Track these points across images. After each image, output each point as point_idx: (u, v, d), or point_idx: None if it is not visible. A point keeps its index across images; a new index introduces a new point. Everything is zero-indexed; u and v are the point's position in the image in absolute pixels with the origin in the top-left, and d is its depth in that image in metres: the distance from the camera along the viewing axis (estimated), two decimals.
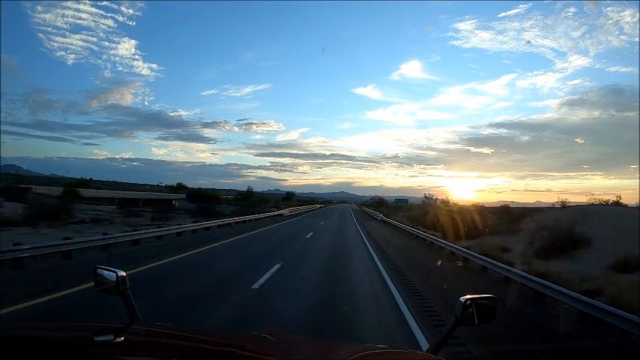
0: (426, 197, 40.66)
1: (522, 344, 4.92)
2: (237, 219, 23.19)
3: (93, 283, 1.50)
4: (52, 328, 1.32)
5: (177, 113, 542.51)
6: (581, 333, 5.33)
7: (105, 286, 1.44)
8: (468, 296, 1.36)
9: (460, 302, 1.34)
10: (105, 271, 1.45)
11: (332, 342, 2.09)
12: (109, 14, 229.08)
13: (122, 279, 1.39)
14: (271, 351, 1.21)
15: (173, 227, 15.60)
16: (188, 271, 8.91)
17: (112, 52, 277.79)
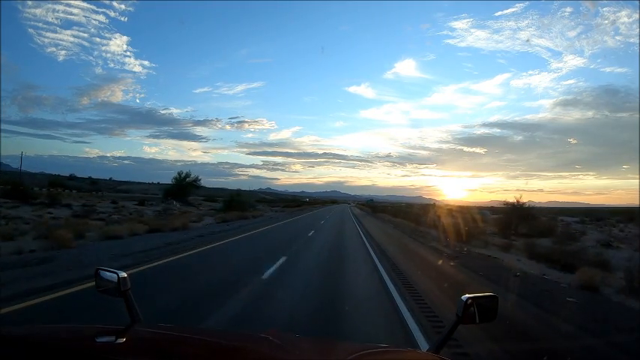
0: None
1: None
2: None
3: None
4: (53, 329, 1.35)
5: (169, 111, 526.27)
6: None
7: (106, 287, 1.44)
8: (470, 295, 1.34)
9: (461, 301, 1.33)
10: (106, 273, 1.45)
11: (332, 341, 2.09)
12: (100, 10, 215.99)
13: (123, 280, 1.39)
14: (271, 351, 1.22)
15: None
16: None
17: (103, 48, 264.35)
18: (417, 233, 18.97)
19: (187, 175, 48.65)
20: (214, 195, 75.25)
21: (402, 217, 38.59)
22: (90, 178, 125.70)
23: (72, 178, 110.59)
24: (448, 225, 30.11)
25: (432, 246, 13.73)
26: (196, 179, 49.06)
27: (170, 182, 50.31)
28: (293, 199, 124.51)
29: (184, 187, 48.58)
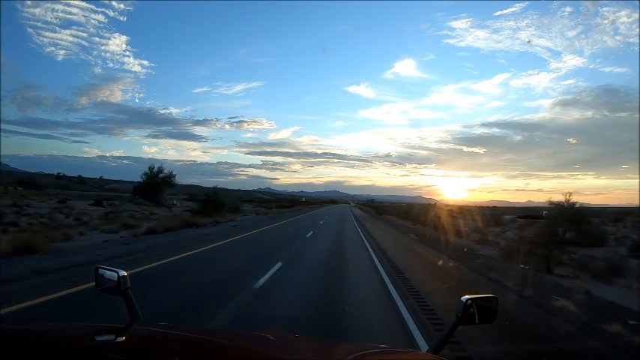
0: None
1: None
2: None
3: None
4: (54, 327, 1.36)
5: (168, 111, 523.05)
6: None
7: (106, 286, 1.42)
8: (469, 296, 1.32)
9: (461, 302, 1.30)
10: (106, 271, 1.43)
11: (332, 342, 2.08)
12: (99, 9, 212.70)
13: (123, 279, 1.37)
14: (271, 351, 1.18)
15: None
16: None
17: (102, 47, 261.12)
18: (467, 255, 11.57)
19: (160, 170, 41.37)
20: (199, 194, 68.21)
21: (414, 220, 31.05)
22: (80, 176, 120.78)
23: (60, 177, 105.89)
24: (491, 236, 22.52)
25: (563, 310, 5.61)
26: (170, 175, 41.76)
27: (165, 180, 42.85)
28: (290, 199, 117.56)
29: (157, 184, 41.28)
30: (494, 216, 38.32)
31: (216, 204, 33.19)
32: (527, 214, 45.30)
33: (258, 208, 48.40)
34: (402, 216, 37.19)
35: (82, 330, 1.28)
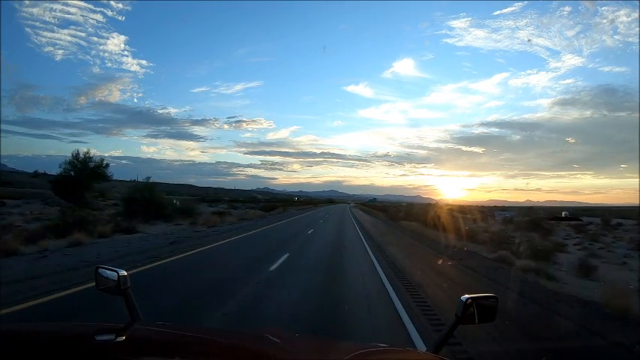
0: None
1: None
2: None
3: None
4: (54, 327, 1.35)
5: (167, 110, 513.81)
6: None
7: (106, 285, 1.41)
8: (469, 295, 1.30)
9: (461, 301, 1.29)
10: (106, 271, 1.42)
11: (332, 341, 2.12)
12: (98, 9, 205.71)
13: (123, 278, 1.37)
14: (271, 350, 1.18)
15: None
16: None
17: (100, 47, 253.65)
18: None
19: (88, 158, 30.20)
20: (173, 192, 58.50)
21: (448, 230, 19.26)
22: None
23: (36, 175, 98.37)
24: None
25: None
26: (101, 165, 30.52)
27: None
28: (281, 199, 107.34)
29: (85, 177, 30.16)
30: (540, 221, 27.54)
31: (147, 205, 22.30)
32: (550, 216, 36.01)
33: (230, 209, 37.25)
34: (423, 221, 25.25)
35: (81, 329, 1.29)
